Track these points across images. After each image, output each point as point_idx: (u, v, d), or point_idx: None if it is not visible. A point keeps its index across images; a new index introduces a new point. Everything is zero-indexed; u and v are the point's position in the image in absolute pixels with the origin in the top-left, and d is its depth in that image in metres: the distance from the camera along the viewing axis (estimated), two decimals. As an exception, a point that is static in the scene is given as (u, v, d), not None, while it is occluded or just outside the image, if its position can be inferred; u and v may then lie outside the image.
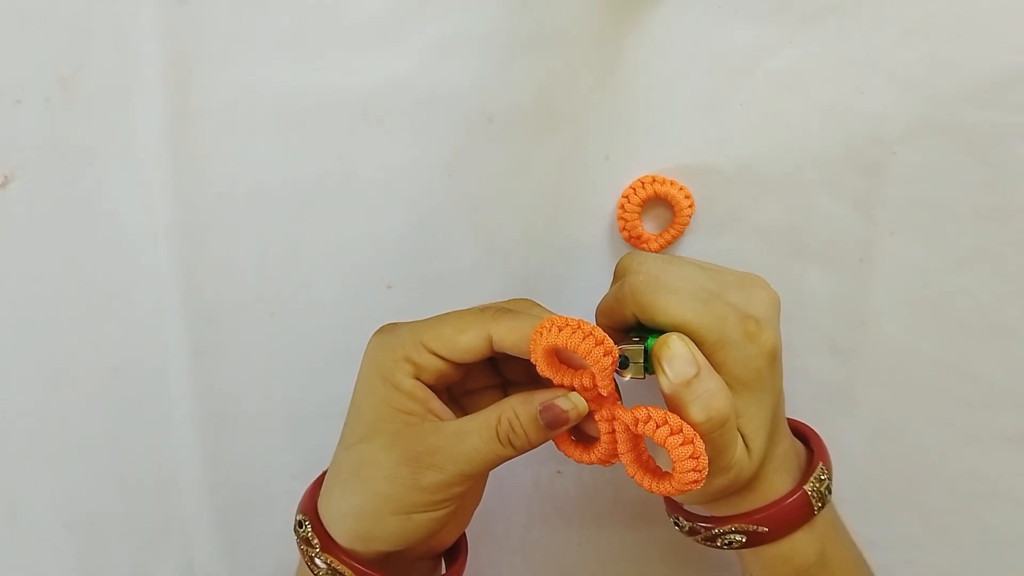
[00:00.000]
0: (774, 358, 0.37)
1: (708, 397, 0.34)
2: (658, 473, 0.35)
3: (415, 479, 0.35)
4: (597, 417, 0.35)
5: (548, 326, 0.33)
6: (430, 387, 0.36)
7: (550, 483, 0.50)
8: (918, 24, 0.44)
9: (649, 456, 0.36)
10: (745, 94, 0.45)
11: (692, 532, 0.40)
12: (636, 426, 0.34)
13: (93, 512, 0.48)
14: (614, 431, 0.35)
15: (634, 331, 0.38)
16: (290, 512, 0.48)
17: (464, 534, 0.41)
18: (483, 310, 0.36)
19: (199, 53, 0.44)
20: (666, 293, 0.35)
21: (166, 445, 0.48)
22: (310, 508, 0.37)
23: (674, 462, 0.33)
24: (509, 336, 0.34)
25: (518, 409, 0.35)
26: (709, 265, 0.39)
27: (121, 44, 0.44)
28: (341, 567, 0.36)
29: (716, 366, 0.35)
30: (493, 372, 0.39)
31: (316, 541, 0.36)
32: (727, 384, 0.35)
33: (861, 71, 0.45)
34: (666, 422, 0.33)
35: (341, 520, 0.36)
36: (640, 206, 0.45)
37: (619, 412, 0.34)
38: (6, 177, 0.45)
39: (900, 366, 0.48)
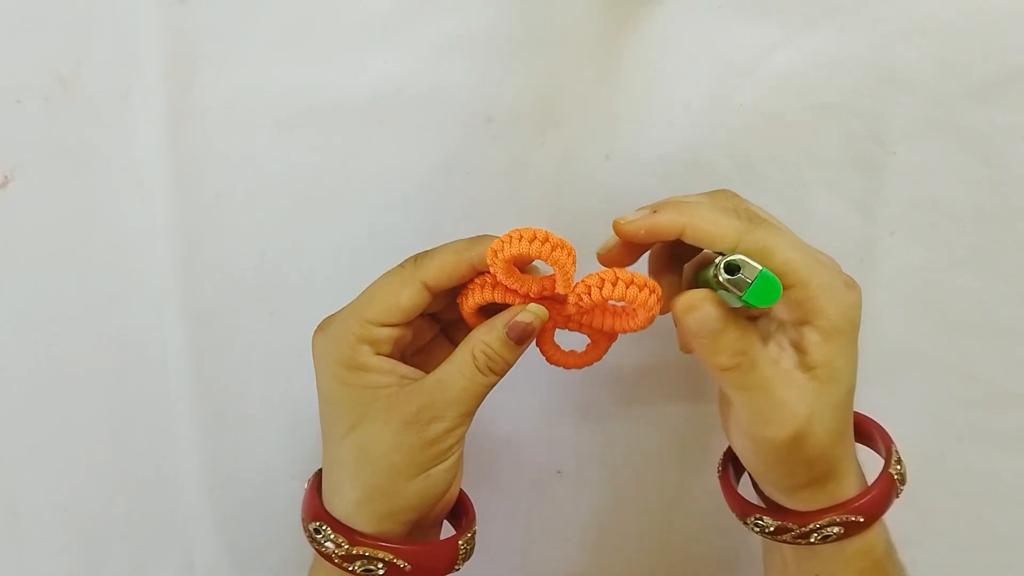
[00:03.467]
0: (860, 318, 0.37)
1: (736, 344, 0.35)
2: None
3: (421, 437, 0.36)
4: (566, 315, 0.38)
5: (507, 239, 0.35)
6: (392, 356, 0.37)
7: (550, 483, 0.50)
8: (918, 24, 0.44)
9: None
10: (745, 94, 0.45)
11: (780, 531, 0.38)
12: (602, 288, 0.36)
13: (93, 512, 0.48)
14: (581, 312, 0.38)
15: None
16: (290, 512, 0.48)
17: (464, 491, 0.41)
18: (403, 266, 0.37)
19: (199, 53, 0.44)
20: (779, 232, 0.36)
21: (166, 445, 0.48)
22: (320, 512, 0.37)
23: (638, 306, 0.35)
24: (443, 270, 0.36)
25: (486, 338, 0.37)
26: None
27: (121, 44, 0.44)
28: (377, 552, 0.36)
29: (816, 311, 0.35)
30: (432, 322, 0.41)
31: (342, 539, 0.36)
32: (823, 328, 0.35)
33: (861, 71, 0.45)
34: (617, 279, 0.35)
35: (362, 508, 0.37)
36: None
37: (587, 280, 0.36)
38: (6, 177, 0.45)
39: (900, 366, 0.48)
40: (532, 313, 0.37)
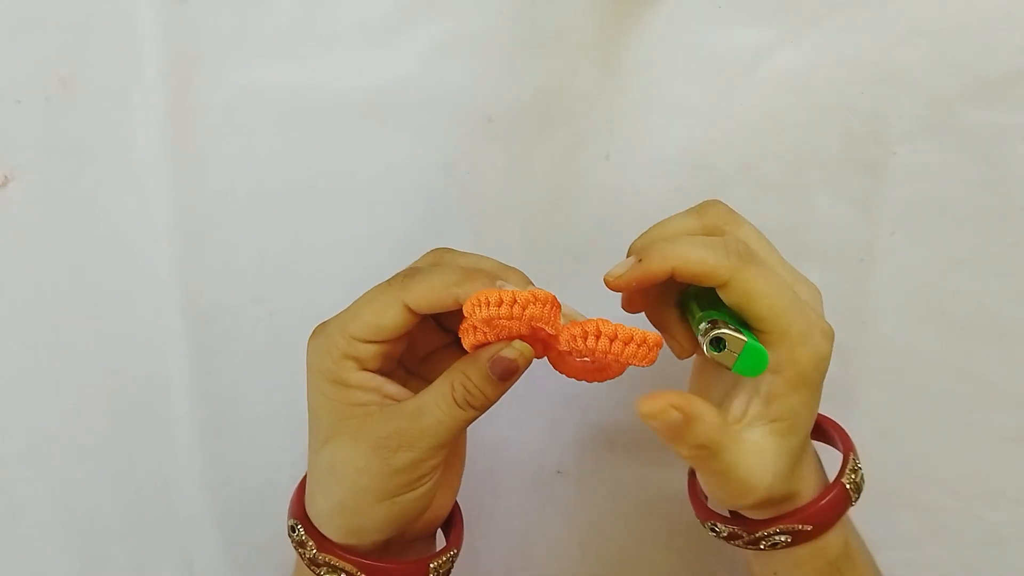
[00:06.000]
0: (828, 367, 0.37)
1: (697, 438, 0.34)
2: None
3: (388, 464, 0.35)
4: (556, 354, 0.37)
5: (475, 304, 0.33)
6: (380, 371, 0.36)
7: (550, 483, 0.50)
8: (918, 24, 0.44)
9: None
10: (745, 94, 0.45)
11: (732, 537, 0.39)
12: (586, 339, 0.34)
13: (93, 512, 0.48)
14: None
15: (687, 295, 0.38)
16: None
17: (458, 506, 0.41)
18: (390, 283, 0.36)
19: (199, 53, 0.44)
20: (765, 273, 0.35)
21: (166, 445, 0.48)
22: (299, 512, 0.38)
23: (626, 360, 0.34)
24: (425, 298, 0.35)
25: (468, 371, 0.35)
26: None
27: (121, 44, 0.44)
28: (341, 563, 0.36)
29: (790, 361, 0.35)
30: (439, 328, 0.39)
31: (311, 543, 0.36)
32: (792, 379, 0.35)
33: (861, 71, 0.45)
34: (600, 333, 0.34)
35: (329, 519, 0.37)
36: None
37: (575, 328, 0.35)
38: (6, 177, 0.45)
39: (900, 366, 0.48)
40: (516, 350, 0.35)
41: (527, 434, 0.49)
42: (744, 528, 0.38)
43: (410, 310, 0.35)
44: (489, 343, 0.35)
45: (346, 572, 0.36)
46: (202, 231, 0.46)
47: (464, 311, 0.34)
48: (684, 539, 0.51)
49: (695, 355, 0.40)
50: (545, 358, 0.38)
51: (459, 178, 0.46)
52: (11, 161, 0.45)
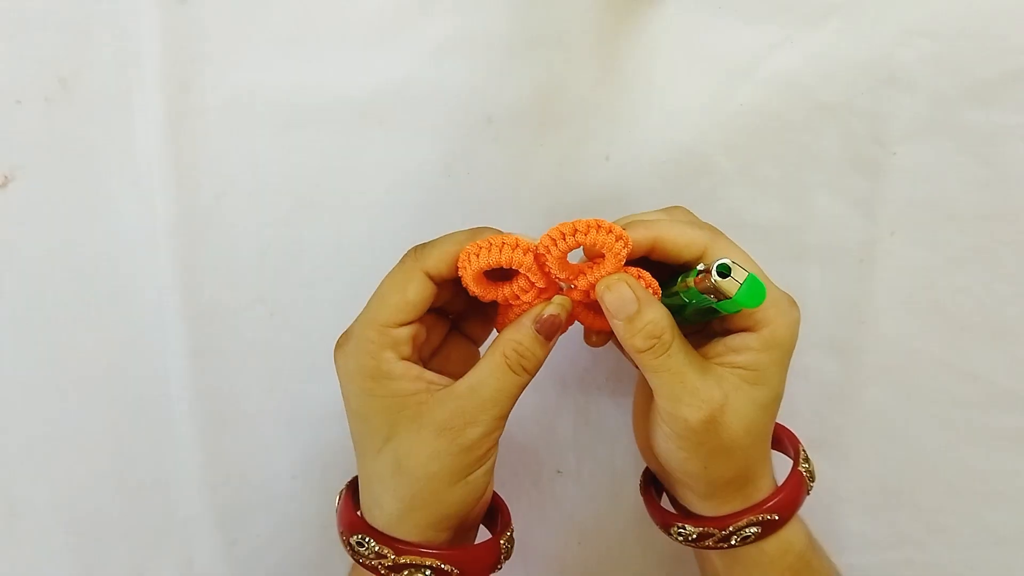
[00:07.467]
0: (797, 337, 0.38)
1: (651, 327, 0.36)
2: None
3: (457, 443, 0.36)
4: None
5: (471, 251, 0.36)
6: (412, 360, 0.37)
7: (550, 483, 0.50)
8: (918, 24, 0.44)
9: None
10: (745, 94, 0.45)
11: (702, 538, 0.40)
12: (565, 238, 0.36)
13: (93, 512, 0.48)
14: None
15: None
16: (290, 512, 0.48)
17: (498, 494, 0.42)
18: (403, 261, 0.37)
19: (199, 53, 0.44)
20: (734, 246, 0.38)
21: (166, 445, 0.48)
22: (361, 526, 0.37)
23: (605, 251, 0.36)
24: (444, 260, 0.36)
25: (516, 337, 0.36)
26: None
27: (121, 44, 0.44)
28: (424, 560, 0.36)
29: (763, 321, 0.37)
30: (442, 320, 0.40)
31: (387, 551, 0.36)
32: (765, 338, 0.37)
33: (861, 71, 0.45)
34: (575, 229, 0.36)
35: (402, 520, 0.37)
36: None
37: (569, 293, 0.38)
38: (6, 177, 0.45)
39: (900, 366, 0.48)
40: (557, 305, 0.37)
41: (527, 434, 0.49)
42: (714, 525, 0.39)
43: (430, 278, 0.36)
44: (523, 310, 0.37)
45: (431, 568, 0.36)
46: (202, 231, 0.46)
47: (459, 265, 0.36)
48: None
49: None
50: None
51: (459, 178, 0.46)
52: (11, 161, 0.45)
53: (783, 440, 0.42)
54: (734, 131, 0.46)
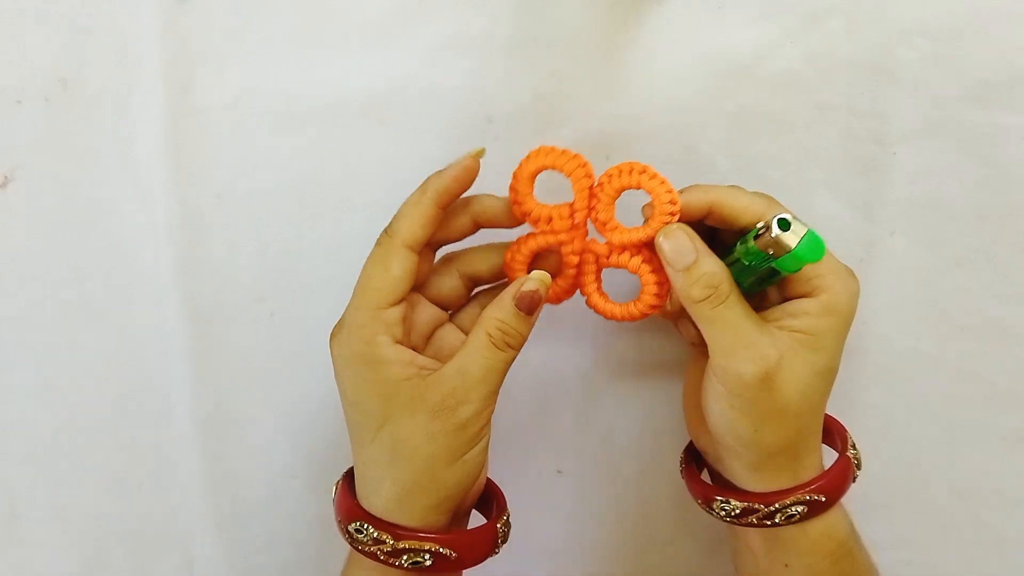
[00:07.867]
0: (856, 308, 0.39)
1: (708, 278, 0.36)
2: (616, 303, 0.40)
3: (451, 423, 0.36)
4: (567, 250, 0.39)
5: (535, 152, 0.38)
6: (403, 343, 0.38)
7: (550, 483, 0.50)
8: (918, 24, 0.44)
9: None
10: (745, 94, 0.45)
11: (745, 513, 0.39)
12: (609, 257, 0.39)
13: (93, 512, 0.48)
14: (581, 263, 0.40)
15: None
16: (290, 512, 0.48)
17: (491, 479, 0.42)
18: (379, 243, 0.38)
19: (199, 53, 0.44)
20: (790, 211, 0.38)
21: (166, 445, 0.48)
22: (359, 513, 0.38)
23: (644, 285, 0.38)
24: (415, 225, 0.37)
25: (497, 314, 0.37)
26: None
27: (121, 44, 0.44)
28: (422, 544, 0.37)
29: (823, 287, 0.37)
30: (433, 306, 0.41)
31: (386, 536, 0.37)
32: (824, 303, 0.37)
33: (861, 71, 0.45)
34: (639, 252, 0.38)
35: (400, 505, 0.37)
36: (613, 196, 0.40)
37: (592, 245, 0.39)
38: (6, 177, 0.45)
39: (900, 366, 0.48)
40: (536, 280, 0.38)
41: (527, 434, 0.49)
42: (760, 500, 0.38)
43: (410, 248, 0.37)
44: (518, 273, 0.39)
45: (429, 552, 0.37)
46: (202, 231, 0.46)
47: (520, 163, 0.38)
48: (684, 539, 0.51)
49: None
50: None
51: (459, 178, 0.46)
52: (11, 161, 0.45)
53: (831, 431, 0.42)
54: (734, 131, 0.46)
